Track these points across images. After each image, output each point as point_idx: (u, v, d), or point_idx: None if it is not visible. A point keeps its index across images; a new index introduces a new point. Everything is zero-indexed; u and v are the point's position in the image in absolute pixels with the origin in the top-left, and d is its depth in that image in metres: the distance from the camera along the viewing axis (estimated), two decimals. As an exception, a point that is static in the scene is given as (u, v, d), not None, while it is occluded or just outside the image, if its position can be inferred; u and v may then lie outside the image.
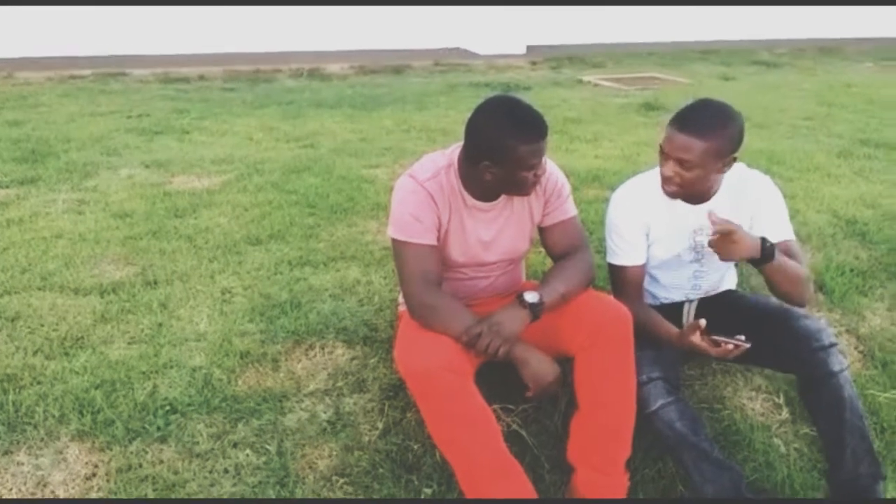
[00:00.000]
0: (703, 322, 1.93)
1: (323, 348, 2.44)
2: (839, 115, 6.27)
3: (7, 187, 3.96)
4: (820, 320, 2.16)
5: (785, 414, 2.37)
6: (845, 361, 2.04)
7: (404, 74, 8.82)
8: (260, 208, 3.59)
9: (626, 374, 1.95)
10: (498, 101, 1.95)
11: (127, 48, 9.51)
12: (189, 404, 2.16)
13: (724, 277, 2.37)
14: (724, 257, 1.99)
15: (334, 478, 1.99)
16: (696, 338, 1.95)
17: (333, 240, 3.24)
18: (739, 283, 2.53)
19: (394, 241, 2.00)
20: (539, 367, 1.92)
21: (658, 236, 2.18)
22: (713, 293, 2.34)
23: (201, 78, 8.19)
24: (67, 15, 9.26)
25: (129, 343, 2.44)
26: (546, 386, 1.94)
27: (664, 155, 2.03)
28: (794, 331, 2.04)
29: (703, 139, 1.94)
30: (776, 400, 2.42)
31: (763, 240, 1.96)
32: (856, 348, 2.71)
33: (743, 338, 1.93)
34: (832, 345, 2.01)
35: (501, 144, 1.87)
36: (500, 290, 2.21)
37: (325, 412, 2.20)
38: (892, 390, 2.45)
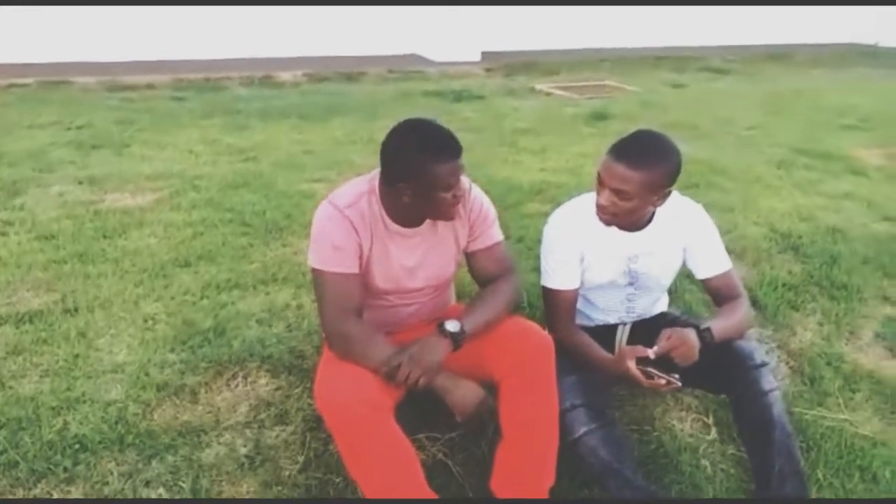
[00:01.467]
0: (651, 353, 1.92)
1: (246, 378, 2.38)
2: (783, 124, 6.38)
3: (-72, 207, 3.81)
4: (751, 341, 2.18)
5: (713, 434, 2.37)
6: (775, 381, 2.05)
7: (358, 82, 8.75)
8: (192, 228, 3.50)
9: (548, 402, 1.93)
10: (411, 124, 1.92)
11: (73, 55, 9.27)
12: (100, 441, 2.08)
13: (658, 301, 2.37)
14: (691, 360, 1.93)
15: (250, 516, 1.93)
16: (632, 365, 1.93)
17: (266, 261, 3.17)
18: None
19: (312, 269, 1.95)
20: (462, 393, 1.89)
21: (592, 261, 2.16)
22: (647, 316, 2.34)
23: (149, 86, 8.02)
24: (10, 20, 8.99)
25: (41, 376, 2.34)
26: (471, 412, 1.91)
27: (601, 183, 2.02)
28: (727, 351, 2.04)
29: (641, 171, 1.92)
30: (706, 420, 2.42)
31: (697, 328, 1.96)
32: (786, 364, 2.73)
33: (677, 376, 1.92)
34: (763, 364, 2.03)
35: (417, 165, 1.84)
36: (427, 315, 2.17)
37: (244, 446, 2.13)
38: (818, 407, 2.47)
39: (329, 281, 1.91)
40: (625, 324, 2.32)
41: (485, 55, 10.71)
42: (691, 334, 1.93)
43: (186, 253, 3.20)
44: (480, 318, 1.96)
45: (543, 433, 1.92)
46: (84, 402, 2.22)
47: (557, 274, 2.16)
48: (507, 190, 4.20)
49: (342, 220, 1.92)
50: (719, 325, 2.03)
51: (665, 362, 1.95)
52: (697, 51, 11.79)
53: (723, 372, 2.04)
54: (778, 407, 2.01)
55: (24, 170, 4.49)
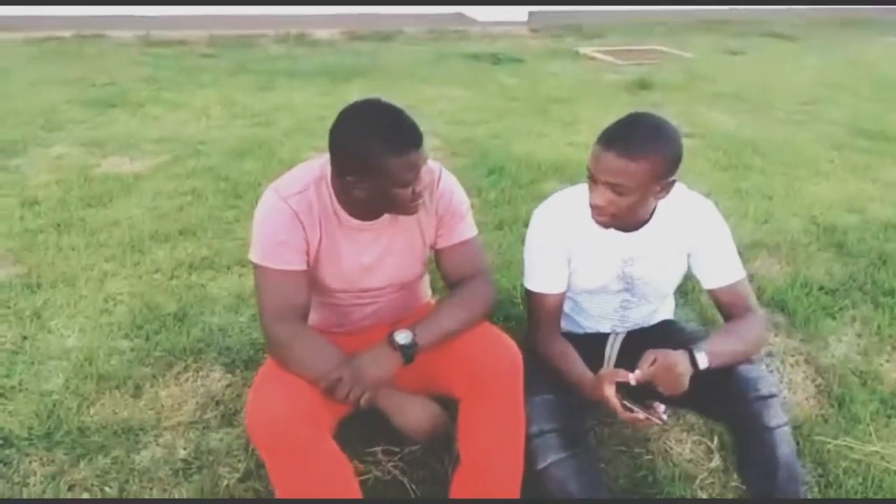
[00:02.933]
0: (631, 379, 1.64)
1: (198, 372, 2.19)
2: (844, 99, 5.81)
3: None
4: (761, 367, 1.87)
5: (716, 461, 2.08)
6: (784, 416, 1.74)
7: (395, 41, 8.43)
8: (182, 198, 3.32)
9: (513, 425, 1.69)
10: (363, 107, 1.65)
11: (113, 9, 9.19)
12: (27, 438, 1.92)
13: (659, 308, 2.07)
14: (678, 391, 1.65)
15: (173, 530, 1.75)
16: (611, 392, 1.66)
17: (248, 238, 2.94)
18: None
19: (252, 265, 1.73)
20: (413, 414, 1.67)
21: (581, 264, 1.88)
22: (646, 325, 2.05)
23: (181, 42, 7.88)
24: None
25: (-18, 360, 2.20)
26: (424, 435, 1.68)
27: (592, 179, 1.72)
28: (729, 376, 1.74)
29: (636, 160, 1.62)
30: (709, 444, 2.13)
31: (688, 351, 1.66)
32: (813, 381, 2.40)
33: (663, 408, 1.64)
34: (771, 395, 1.72)
35: (367, 157, 1.58)
36: (391, 315, 1.92)
37: (184, 449, 1.95)
38: (845, 436, 2.14)
39: (269, 278, 1.69)
40: (616, 333, 2.04)
41: (532, 15, 10.22)
42: (680, 359, 1.63)
43: (168, 227, 3.02)
44: (439, 328, 1.69)
45: (506, 460, 1.69)
46: (20, 391, 2.07)
47: (541, 275, 1.88)
48: (524, 166, 3.89)
49: (286, 210, 1.68)
50: (720, 346, 1.72)
51: (651, 388, 1.67)
52: (763, 14, 11.01)
53: (722, 400, 1.75)
54: (785, 446, 1.70)
55: (31, 128, 4.39)
